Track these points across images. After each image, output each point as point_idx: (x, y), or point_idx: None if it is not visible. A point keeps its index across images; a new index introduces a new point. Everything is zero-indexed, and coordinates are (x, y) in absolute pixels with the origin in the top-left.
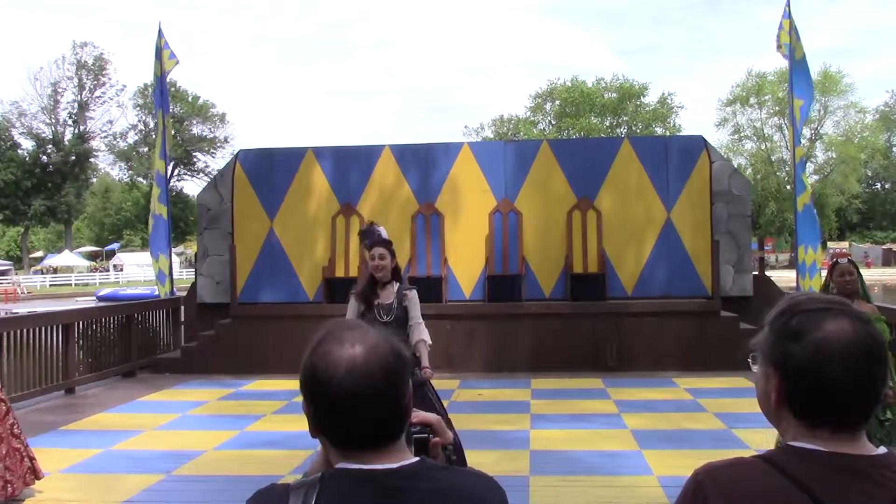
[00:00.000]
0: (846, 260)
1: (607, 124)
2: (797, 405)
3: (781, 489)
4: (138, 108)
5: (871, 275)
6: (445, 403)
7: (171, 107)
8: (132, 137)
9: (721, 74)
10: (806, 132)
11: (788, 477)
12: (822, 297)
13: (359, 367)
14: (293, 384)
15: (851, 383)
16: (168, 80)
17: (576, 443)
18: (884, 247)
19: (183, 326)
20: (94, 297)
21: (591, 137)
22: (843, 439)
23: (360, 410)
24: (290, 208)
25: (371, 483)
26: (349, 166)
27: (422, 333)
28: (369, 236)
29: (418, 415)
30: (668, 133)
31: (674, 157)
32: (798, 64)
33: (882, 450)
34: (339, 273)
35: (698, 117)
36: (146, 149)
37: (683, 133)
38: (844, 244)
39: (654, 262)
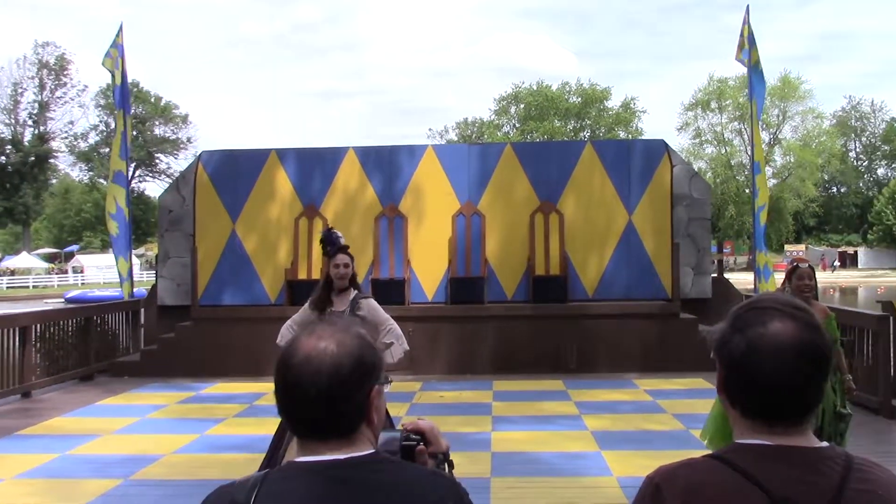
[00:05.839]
0: (806, 265)
1: (570, 128)
2: (733, 395)
3: (733, 484)
4: (100, 109)
5: (827, 278)
6: (406, 406)
7: (133, 108)
8: (93, 138)
9: (685, 79)
10: (765, 137)
11: (739, 472)
12: (783, 300)
13: (312, 359)
14: (255, 387)
15: (780, 380)
16: (129, 80)
17: (537, 444)
18: (839, 249)
19: (143, 329)
20: (63, 299)
21: (555, 141)
22: (781, 433)
23: (303, 400)
24: (253, 210)
25: (313, 474)
26: (313, 168)
27: (395, 338)
28: (333, 242)
29: (413, 423)
30: (630, 137)
31: (635, 161)
32: (753, 68)
33: (825, 444)
34: (302, 275)
35: (661, 121)
36: (107, 150)
37: (645, 137)
38: (801, 247)
39: (615, 265)
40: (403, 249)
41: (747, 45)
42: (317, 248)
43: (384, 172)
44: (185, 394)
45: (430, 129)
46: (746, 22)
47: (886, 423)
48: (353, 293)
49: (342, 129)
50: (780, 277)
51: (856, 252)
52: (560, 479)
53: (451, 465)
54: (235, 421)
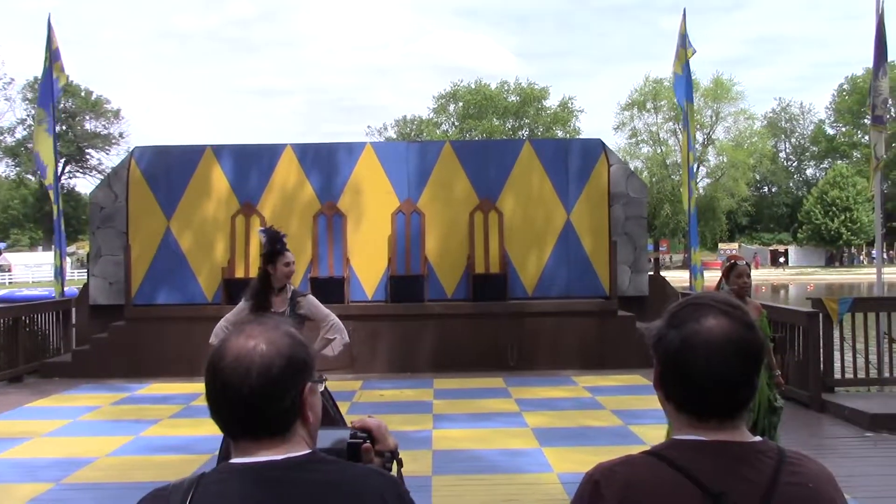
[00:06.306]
0: (744, 262)
1: (509, 126)
2: (668, 390)
3: (670, 480)
4: (27, 103)
5: (758, 275)
6: (346, 406)
7: (63, 102)
8: (20, 132)
9: (623, 80)
10: (699, 137)
11: (677, 468)
12: (719, 297)
13: (242, 359)
14: (190, 387)
15: (713, 376)
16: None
17: (477, 442)
18: (770, 248)
19: (74, 329)
20: None
21: (494, 139)
22: (716, 428)
23: (235, 401)
24: (188, 207)
25: (248, 476)
26: (249, 165)
27: (337, 332)
28: (282, 240)
29: (361, 420)
30: (568, 136)
31: (573, 160)
32: (684, 70)
33: (758, 438)
34: (239, 274)
35: (599, 121)
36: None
37: (583, 136)
38: (734, 245)
39: (554, 263)
40: (343, 248)
41: (684, 51)
42: (254, 247)
43: (323, 170)
44: (118, 395)
45: (368, 127)
46: (683, 25)
47: (816, 416)
48: (290, 291)
49: (280, 126)
50: (709, 275)
51: (786, 250)
52: (501, 476)
53: (399, 464)
54: (171, 422)
